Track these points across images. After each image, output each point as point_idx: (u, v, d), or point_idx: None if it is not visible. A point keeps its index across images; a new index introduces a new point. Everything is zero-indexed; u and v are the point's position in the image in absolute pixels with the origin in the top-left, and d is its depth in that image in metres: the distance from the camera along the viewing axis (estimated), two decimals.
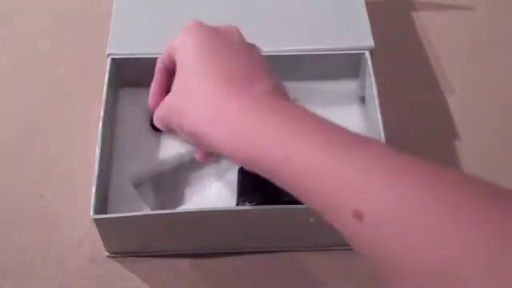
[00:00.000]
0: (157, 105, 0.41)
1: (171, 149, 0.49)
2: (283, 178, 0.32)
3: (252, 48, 0.40)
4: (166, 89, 0.41)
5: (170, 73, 0.40)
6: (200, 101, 0.35)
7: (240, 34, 0.40)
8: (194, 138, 0.36)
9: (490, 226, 0.25)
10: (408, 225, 0.26)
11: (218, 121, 0.34)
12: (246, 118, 0.33)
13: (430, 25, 0.61)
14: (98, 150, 0.44)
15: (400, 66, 0.58)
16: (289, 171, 0.31)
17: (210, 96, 0.35)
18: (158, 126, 0.40)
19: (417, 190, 0.27)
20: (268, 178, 0.33)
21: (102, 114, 0.46)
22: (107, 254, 0.46)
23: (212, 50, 0.37)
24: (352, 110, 0.52)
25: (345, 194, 0.29)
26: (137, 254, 0.46)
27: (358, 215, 0.28)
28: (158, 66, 0.42)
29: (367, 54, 0.50)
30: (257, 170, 0.33)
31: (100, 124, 0.45)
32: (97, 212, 0.42)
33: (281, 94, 0.36)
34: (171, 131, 0.39)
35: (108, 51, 0.50)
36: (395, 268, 0.27)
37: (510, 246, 0.24)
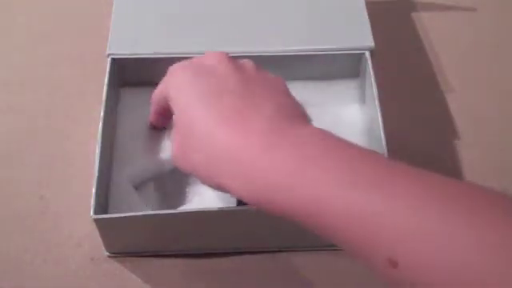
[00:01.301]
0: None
1: None
2: (309, 223, 0.31)
3: (241, 69, 0.38)
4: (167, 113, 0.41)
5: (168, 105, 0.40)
6: (205, 149, 0.34)
7: (226, 60, 0.38)
8: (213, 187, 0.35)
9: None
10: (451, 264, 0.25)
11: (224, 169, 0.33)
12: (259, 168, 0.32)
13: (431, 25, 0.61)
14: (97, 150, 0.44)
15: (400, 66, 0.58)
16: (315, 214, 0.30)
17: (211, 142, 0.34)
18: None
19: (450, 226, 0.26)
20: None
21: (102, 114, 0.46)
22: (107, 253, 0.46)
23: (201, 90, 0.36)
24: (352, 110, 0.52)
25: (376, 241, 0.27)
26: (137, 254, 0.46)
27: (393, 263, 0.26)
28: (154, 101, 0.43)
29: (367, 54, 0.50)
30: (278, 214, 0.32)
31: (100, 124, 0.45)
32: (97, 212, 0.41)
33: (286, 117, 0.35)
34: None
35: (108, 51, 0.50)
36: None
37: None
